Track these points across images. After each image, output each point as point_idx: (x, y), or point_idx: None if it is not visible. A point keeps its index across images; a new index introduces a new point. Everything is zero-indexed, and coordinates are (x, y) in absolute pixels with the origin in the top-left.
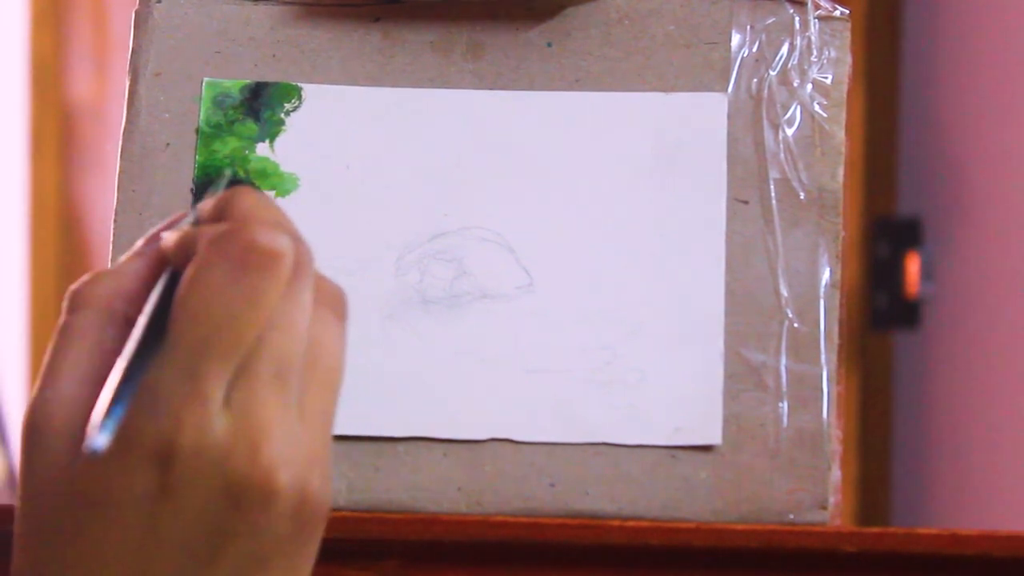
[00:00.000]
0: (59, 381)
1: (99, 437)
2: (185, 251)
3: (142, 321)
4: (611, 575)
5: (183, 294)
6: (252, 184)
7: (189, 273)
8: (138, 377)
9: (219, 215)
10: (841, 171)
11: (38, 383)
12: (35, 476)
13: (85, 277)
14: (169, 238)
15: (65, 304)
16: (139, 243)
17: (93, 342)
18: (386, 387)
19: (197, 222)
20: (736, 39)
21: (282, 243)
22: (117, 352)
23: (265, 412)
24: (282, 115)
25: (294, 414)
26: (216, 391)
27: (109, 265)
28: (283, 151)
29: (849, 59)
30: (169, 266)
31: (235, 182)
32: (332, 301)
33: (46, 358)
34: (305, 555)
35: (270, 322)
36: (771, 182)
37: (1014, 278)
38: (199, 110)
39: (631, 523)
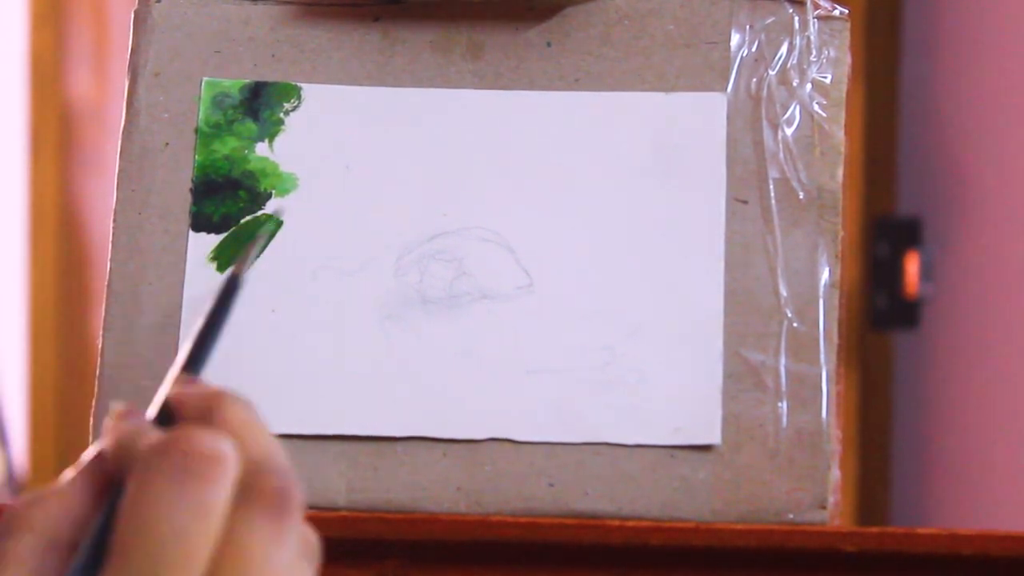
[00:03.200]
0: None
1: None
2: (122, 460)
3: (87, 541)
4: (610, 575)
5: (127, 507)
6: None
7: (130, 487)
8: None
9: (204, 416)
10: (840, 171)
11: None
12: None
13: (25, 498)
14: (109, 444)
15: (0, 526)
16: (85, 457)
17: (28, 571)
18: (386, 387)
19: (168, 412)
20: (736, 39)
21: (223, 447)
22: None
23: None
24: (281, 115)
25: None
26: None
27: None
28: (282, 151)
29: (848, 59)
30: (115, 488)
31: (233, 280)
32: (311, 552)
33: None
34: None
35: (252, 564)
36: (770, 182)
37: (1014, 278)
38: (198, 110)
39: (630, 523)
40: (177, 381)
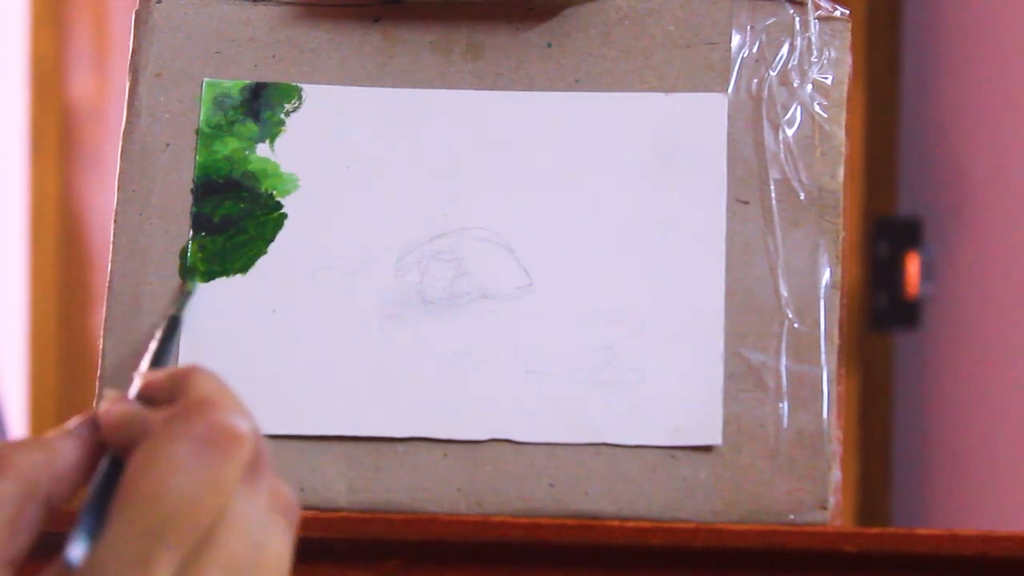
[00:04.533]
0: None
1: (75, 548)
2: (129, 431)
3: (88, 501)
4: (610, 575)
5: (136, 470)
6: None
7: (145, 450)
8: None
9: (171, 394)
10: (841, 171)
11: None
12: None
13: (10, 442)
14: (111, 415)
15: None
16: (73, 422)
17: (6, 516)
18: (386, 387)
19: (140, 396)
20: (736, 39)
21: (245, 426)
22: (32, 533)
23: None
24: (282, 115)
25: None
26: None
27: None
28: (283, 151)
29: (849, 59)
30: (108, 452)
31: (187, 294)
32: (285, 508)
33: None
34: None
35: (226, 520)
36: (771, 182)
37: (1014, 278)
38: (199, 110)
39: (631, 523)
40: (146, 373)
